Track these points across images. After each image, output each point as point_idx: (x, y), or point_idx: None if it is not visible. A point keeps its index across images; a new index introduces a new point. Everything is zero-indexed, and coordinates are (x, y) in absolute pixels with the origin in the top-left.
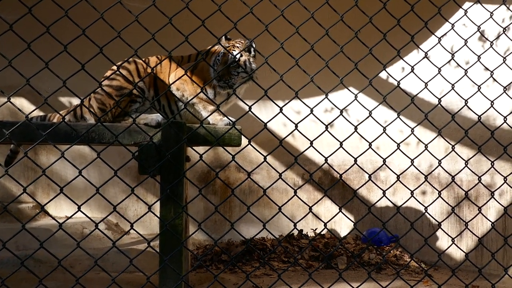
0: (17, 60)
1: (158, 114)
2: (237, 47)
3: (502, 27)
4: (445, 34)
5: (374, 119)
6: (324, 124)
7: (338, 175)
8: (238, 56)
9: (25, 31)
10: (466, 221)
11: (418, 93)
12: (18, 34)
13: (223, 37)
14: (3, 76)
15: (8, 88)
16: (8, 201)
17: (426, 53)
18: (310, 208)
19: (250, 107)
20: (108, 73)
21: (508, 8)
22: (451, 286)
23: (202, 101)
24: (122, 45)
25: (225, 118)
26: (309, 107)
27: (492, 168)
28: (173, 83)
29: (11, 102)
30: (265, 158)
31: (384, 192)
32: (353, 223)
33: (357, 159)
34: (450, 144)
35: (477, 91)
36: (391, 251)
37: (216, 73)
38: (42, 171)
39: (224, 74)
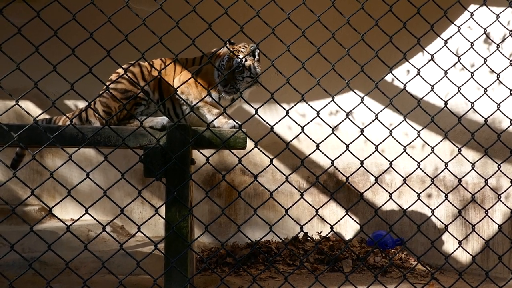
0: (23, 63)
1: (164, 117)
2: (242, 51)
3: (508, 30)
4: (451, 36)
5: (381, 122)
6: (330, 127)
7: (344, 178)
8: (243, 60)
9: (31, 34)
10: (473, 224)
11: (425, 96)
12: (25, 37)
13: (227, 41)
14: (9, 79)
15: (14, 91)
16: (14, 204)
17: (432, 55)
18: (317, 210)
19: (256, 110)
20: (113, 76)
21: None
22: None
23: (207, 104)
24: (127, 48)
25: (231, 121)
26: (316, 110)
27: (498, 171)
28: (178, 87)
29: (19, 105)
30: (271, 161)
31: (390, 195)
32: (359, 226)
33: (362, 162)
34: (456, 146)
35: (483, 94)
36: (397, 254)
37: (221, 78)
38: (50, 174)
39: (230, 79)
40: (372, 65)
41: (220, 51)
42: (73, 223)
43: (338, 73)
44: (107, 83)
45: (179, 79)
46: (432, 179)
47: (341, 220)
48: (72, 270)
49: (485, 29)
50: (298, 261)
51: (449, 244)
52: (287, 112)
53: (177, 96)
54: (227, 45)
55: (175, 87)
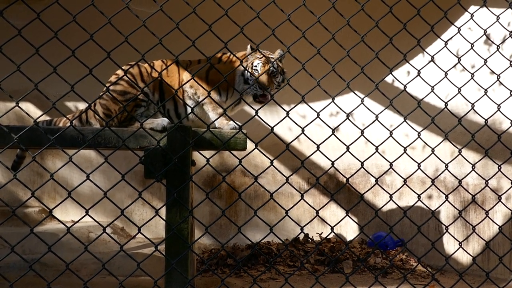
0: (23, 65)
1: (164, 119)
2: (272, 57)
3: (508, 31)
4: (451, 38)
5: (381, 123)
6: (331, 128)
7: (345, 179)
8: (275, 66)
9: (31, 35)
10: (473, 225)
11: (425, 97)
12: (25, 38)
13: (249, 46)
14: (9, 80)
15: (14, 93)
16: (14, 205)
17: (432, 57)
18: (317, 212)
19: (257, 111)
20: (112, 78)
21: None
22: None
23: (213, 102)
24: (128, 49)
25: (231, 122)
26: (316, 111)
27: (499, 172)
28: (188, 81)
29: (19, 107)
30: (271, 162)
31: (391, 196)
32: (359, 227)
33: (363, 163)
34: (457, 147)
35: (483, 95)
36: (397, 255)
37: (256, 84)
38: (50, 175)
39: (269, 83)
40: (372, 66)
41: (228, 55)
42: (73, 224)
43: (338, 74)
44: (109, 85)
45: (191, 71)
46: (433, 180)
47: (341, 221)
48: (73, 272)
49: (485, 30)
50: (299, 262)
51: (449, 245)
52: (288, 113)
53: (184, 89)
54: (249, 49)
55: (185, 80)
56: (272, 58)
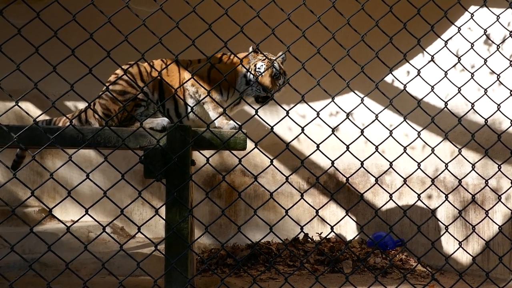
0: (23, 64)
1: (164, 118)
2: (273, 59)
3: (508, 30)
4: (451, 37)
5: (381, 123)
6: (331, 128)
7: (345, 179)
8: (277, 67)
9: (31, 34)
10: (473, 225)
11: (425, 97)
12: (25, 37)
13: (251, 48)
14: (9, 80)
15: (13, 92)
16: (14, 205)
17: (432, 56)
18: (317, 211)
19: (256, 111)
20: (112, 77)
21: None
22: None
23: (213, 101)
24: (127, 48)
25: (231, 121)
26: (316, 111)
27: (499, 172)
28: (189, 79)
29: (19, 106)
30: (271, 161)
31: (390, 196)
32: (359, 227)
33: (363, 162)
34: (457, 147)
35: (483, 95)
36: (397, 255)
37: (259, 86)
38: (50, 175)
39: (272, 86)
40: (372, 66)
41: (229, 55)
42: (73, 224)
43: (338, 74)
44: (108, 85)
45: (191, 70)
46: (433, 180)
47: (341, 221)
48: (72, 271)
49: (485, 30)
50: (299, 262)
51: (449, 245)
52: (287, 112)
53: (185, 88)
54: (252, 52)
55: (187, 78)
56: (275, 60)
